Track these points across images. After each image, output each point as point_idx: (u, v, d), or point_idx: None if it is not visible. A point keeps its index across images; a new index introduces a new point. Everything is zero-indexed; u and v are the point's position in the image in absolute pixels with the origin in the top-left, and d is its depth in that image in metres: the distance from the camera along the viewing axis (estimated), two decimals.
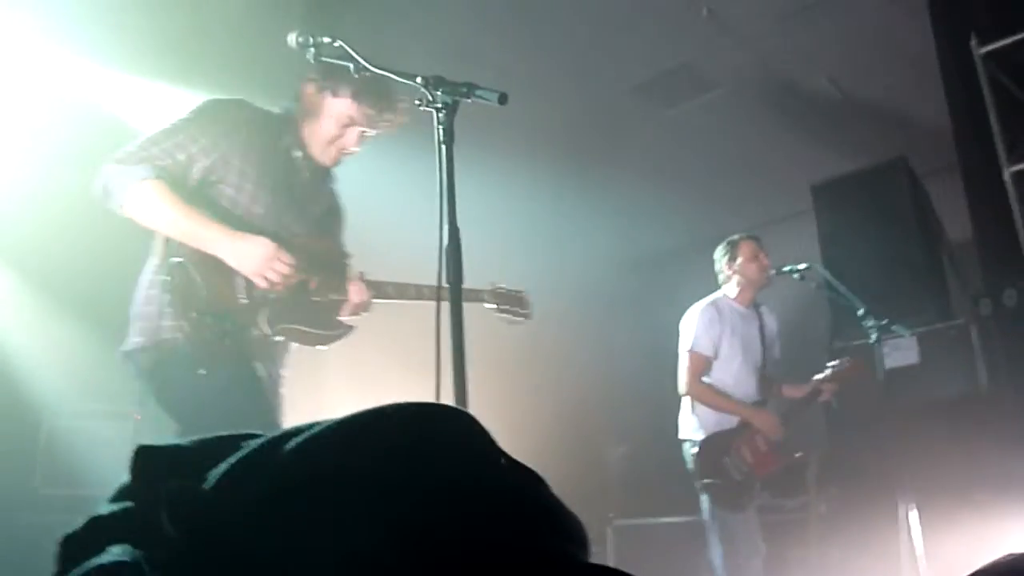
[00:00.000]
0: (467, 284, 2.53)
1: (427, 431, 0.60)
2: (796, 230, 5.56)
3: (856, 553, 3.98)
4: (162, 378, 2.39)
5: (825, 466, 4.50)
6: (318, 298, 2.53)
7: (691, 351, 4.13)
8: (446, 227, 1.87)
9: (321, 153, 2.59)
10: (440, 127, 1.91)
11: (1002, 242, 4.12)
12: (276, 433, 0.64)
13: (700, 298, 4.32)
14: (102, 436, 4.18)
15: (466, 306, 1.92)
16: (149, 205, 2.33)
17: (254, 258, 2.35)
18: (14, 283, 4.33)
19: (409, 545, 0.57)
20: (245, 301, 2.38)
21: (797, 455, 4.24)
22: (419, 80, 1.98)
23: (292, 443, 0.62)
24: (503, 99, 1.93)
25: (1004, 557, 0.90)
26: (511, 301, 2.95)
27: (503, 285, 2.96)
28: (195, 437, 0.71)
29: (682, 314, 4.31)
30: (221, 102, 2.53)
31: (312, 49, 2.27)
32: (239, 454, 0.63)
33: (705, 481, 3.99)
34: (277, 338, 2.48)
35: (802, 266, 4.06)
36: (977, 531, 3.38)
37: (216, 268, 2.35)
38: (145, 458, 0.67)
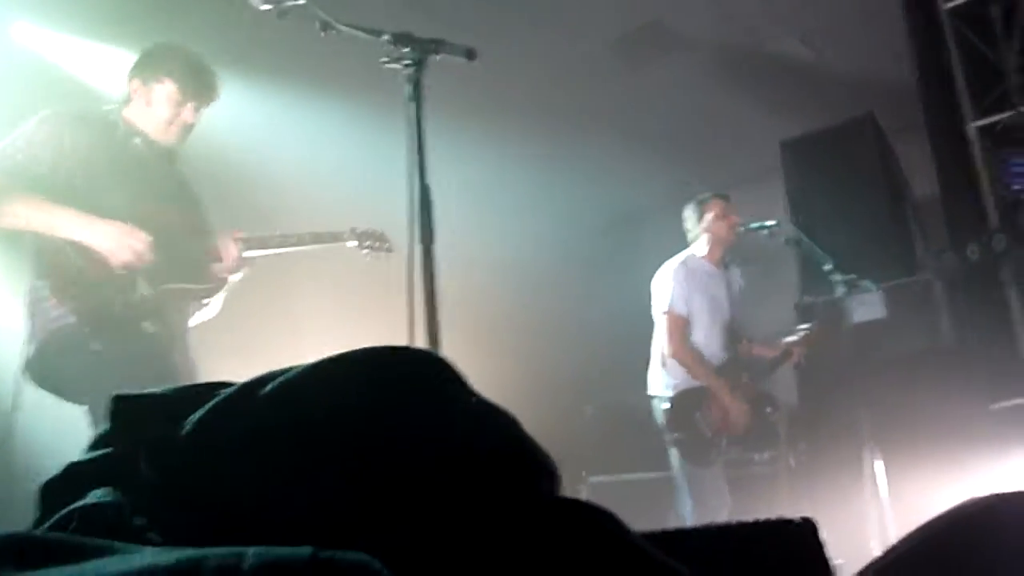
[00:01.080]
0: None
1: (400, 372, 0.62)
2: (765, 189, 5.61)
3: (825, 505, 4.07)
4: (62, 366, 2.47)
5: (794, 421, 4.58)
6: (193, 256, 2.73)
7: (668, 312, 4.16)
8: (417, 184, 1.86)
9: (163, 134, 2.75)
10: (408, 84, 1.90)
11: (966, 197, 4.19)
12: (253, 378, 0.65)
13: (671, 257, 4.35)
14: None
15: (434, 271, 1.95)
16: (8, 209, 2.45)
17: (110, 236, 2.47)
18: None
19: (382, 485, 0.58)
20: (122, 271, 2.50)
21: (768, 410, 4.32)
22: (386, 37, 1.97)
23: (267, 388, 0.63)
24: (471, 55, 1.92)
25: (966, 501, 0.94)
26: (372, 237, 3.20)
27: (359, 225, 3.20)
28: (170, 386, 0.72)
29: (652, 273, 4.34)
30: (44, 116, 2.61)
31: (274, 7, 2.24)
32: (215, 399, 0.64)
33: (675, 435, 4.06)
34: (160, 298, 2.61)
35: (770, 222, 4.11)
36: (940, 479, 3.48)
37: (86, 245, 2.46)
38: (123, 406, 0.67)
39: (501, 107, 5.13)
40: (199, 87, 2.77)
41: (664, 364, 4.18)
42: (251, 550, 0.46)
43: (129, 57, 2.87)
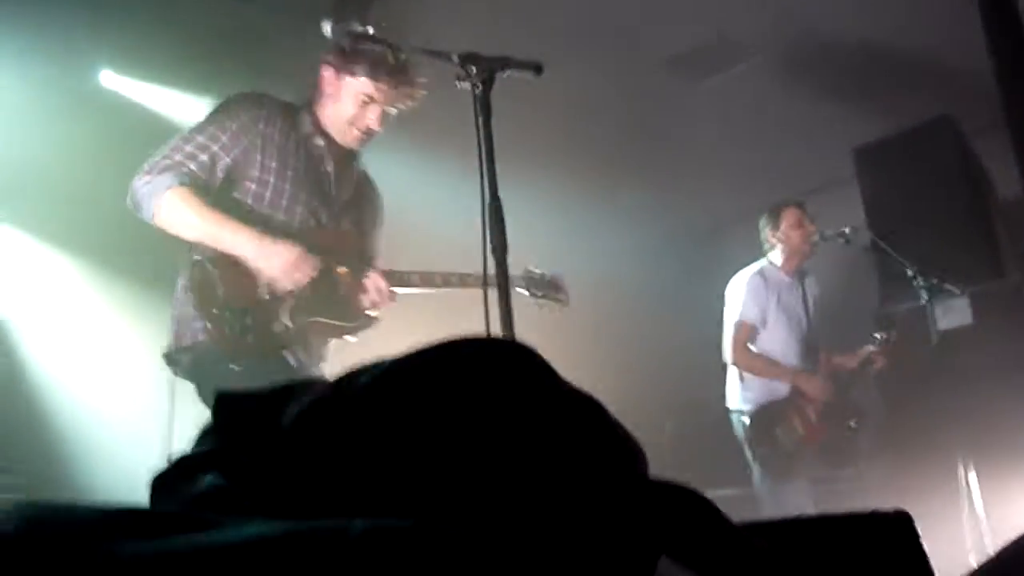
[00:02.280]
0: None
1: (496, 362, 0.63)
2: (841, 197, 5.49)
3: (918, 520, 3.92)
4: (200, 377, 2.45)
5: (878, 434, 4.45)
6: (341, 290, 2.56)
7: (739, 321, 4.11)
8: (488, 198, 1.88)
9: (343, 136, 2.61)
10: (477, 102, 1.93)
11: None
12: (347, 371, 0.67)
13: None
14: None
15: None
16: (175, 214, 2.39)
17: (279, 262, 2.39)
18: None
19: (484, 474, 0.59)
20: (266, 297, 2.42)
21: (851, 423, 4.20)
22: (455, 58, 2.00)
23: (363, 378, 0.65)
24: (539, 70, 1.94)
25: None
26: (546, 286, 2.92)
27: (535, 268, 2.93)
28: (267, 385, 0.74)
29: (725, 288, 4.29)
30: (236, 99, 2.58)
31: (347, 38, 2.31)
32: (312, 393, 0.67)
33: (757, 451, 3.98)
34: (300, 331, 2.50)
35: (847, 229, 4.02)
36: None
37: (235, 265, 2.40)
38: (226, 404, 0.71)
39: (564, 130, 5.16)
40: (393, 87, 2.55)
41: (742, 378, 4.12)
42: (358, 521, 0.47)
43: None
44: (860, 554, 0.79)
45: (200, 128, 2.49)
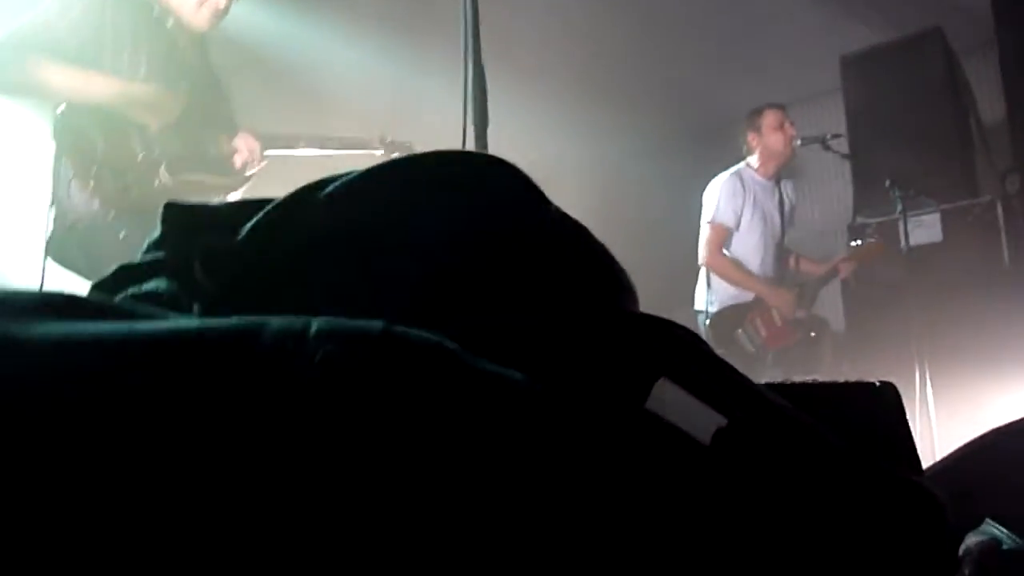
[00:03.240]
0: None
1: (474, 173, 0.57)
2: (825, 107, 5.40)
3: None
4: (89, 250, 2.42)
5: (841, 343, 4.50)
6: (212, 150, 2.66)
7: (712, 222, 4.07)
8: (471, 66, 1.79)
9: (194, 16, 2.63)
10: None
11: None
12: (309, 183, 0.60)
13: None
14: None
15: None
16: (37, 78, 2.39)
17: (145, 99, 2.44)
18: None
19: (462, 294, 0.54)
20: (142, 154, 2.46)
21: (812, 334, 4.23)
22: None
23: (327, 188, 0.58)
24: None
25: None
26: (402, 148, 3.03)
27: (390, 137, 3.07)
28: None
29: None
30: None
31: None
32: (271, 205, 0.60)
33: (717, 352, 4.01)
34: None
35: (828, 135, 3.96)
36: (992, 400, 3.40)
37: (110, 124, 2.42)
38: (175, 212, 0.63)
39: (552, 29, 4.98)
40: None
41: (709, 280, 4.11)
42: (318, 319, 0.42)
43: None
44: (846, 418, 0.76)
45: (49, 5, 2.46)
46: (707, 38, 5.56)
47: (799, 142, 4.06)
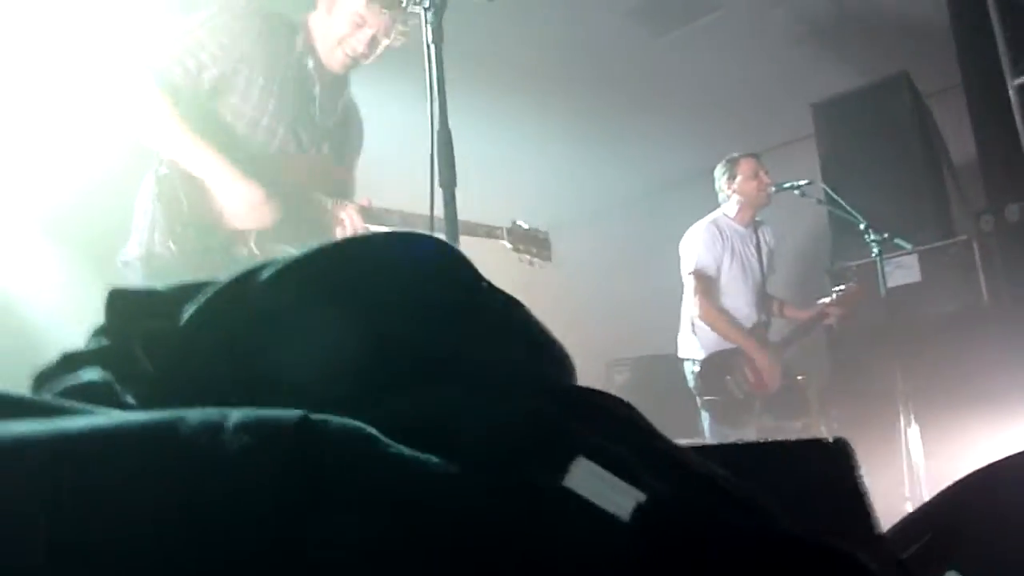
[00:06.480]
0: (486, 221, 2.65)
1: (411, 252, 0.58)
2: (797, 154, 5.48)
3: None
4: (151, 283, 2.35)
5: (827, 387, 4.51)
6: (312, 220, 2.46)
7: (695, 272, 4.09)
8: (436, 128, 1.82)
9: (330, 56, 2.52)
10: (428, 26, 1.85)
11: (1005, 158, 4.07)
12: (248, 267, 0.61)
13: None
14: None
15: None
16: (147, 122, 2.30)
17: (240, 204, 2.31)
18: None
19: (399, 364, 0.54)
20: (232, 226, 2.35)
21: (799, 377, 4.25)
22: None
23: (266, 273, 0.59)
24: None
25: (1015, 455, 0.92)
26: (531, 242, 2.82)
27: (522, 223, 2.83)
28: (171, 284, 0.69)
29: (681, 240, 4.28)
30: (230, 6, 2.46)
31: None
32: (211, 289, 0.61)
33: (706, 398, 4.01)
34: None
35: (803, 182, 4.01)
36: (976, 443, 3.40)
37: (203, 188, 2.31)
38: (119, 300, 0.65)
39: (521, 81, 5.05)
40: (388, 15, 2.48)
41: (694, 328, 4.13)
42: (237, 410, 0.43)
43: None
44: (797, 479, 0.76)
45: (191, 31, 2.38)
46: (675, 91, 5.66)
47: (773, 189, 4.11)
